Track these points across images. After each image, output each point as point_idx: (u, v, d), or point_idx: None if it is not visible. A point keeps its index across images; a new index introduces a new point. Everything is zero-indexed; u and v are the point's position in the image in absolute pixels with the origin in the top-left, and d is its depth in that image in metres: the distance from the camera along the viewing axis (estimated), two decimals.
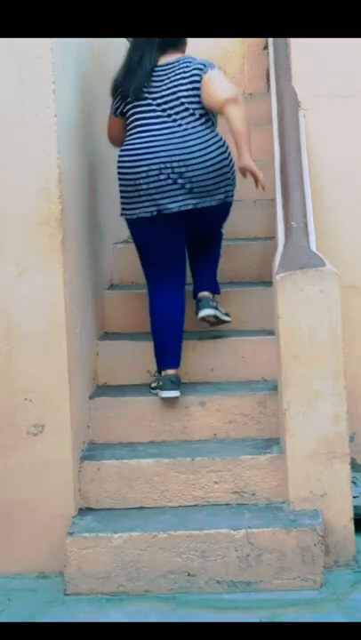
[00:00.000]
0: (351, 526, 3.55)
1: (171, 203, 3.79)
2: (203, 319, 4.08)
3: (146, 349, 4.12)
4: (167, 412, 3.90)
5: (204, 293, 4.07)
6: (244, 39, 6.29)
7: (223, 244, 4.27)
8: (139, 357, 4.14)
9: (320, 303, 3.52)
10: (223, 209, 3.99)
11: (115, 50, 4.67)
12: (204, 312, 4.04)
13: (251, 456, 3.68)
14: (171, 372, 3.91)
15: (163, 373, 3.92)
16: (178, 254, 3.97)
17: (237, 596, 3.36)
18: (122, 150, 3.90)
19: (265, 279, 4.36)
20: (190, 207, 3.80)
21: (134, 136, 3.84)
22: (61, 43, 3.56)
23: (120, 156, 3.89)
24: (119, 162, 3.88)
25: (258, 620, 3.14)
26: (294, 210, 3.88)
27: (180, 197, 3.79)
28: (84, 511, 3.65)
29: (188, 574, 3.41)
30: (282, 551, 3.40)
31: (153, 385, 4.00)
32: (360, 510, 3.75)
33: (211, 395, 3.92)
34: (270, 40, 5.24)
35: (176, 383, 3.88)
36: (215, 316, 4.07)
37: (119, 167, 3.88)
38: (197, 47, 5.84)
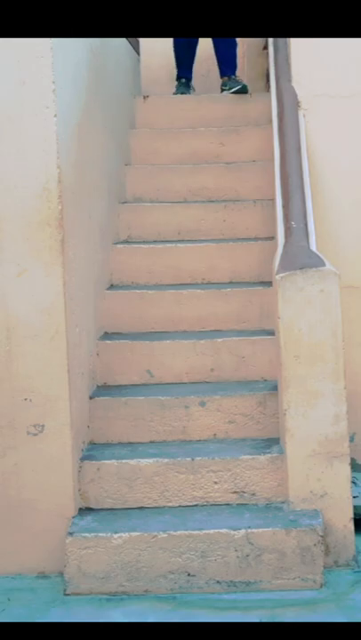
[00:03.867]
0: (351, 526, 3.55)
1: None
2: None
3: (146, 349, 4.13)
4: (167, 412, 3.90)
5: (225, 78, 5.63)
6: (244, 39, 6.30)
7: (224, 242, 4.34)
8: (139, 357, 4.14)
9: (320, 303, 3.52)
10: None
11: (115, 50, 4.69)
12: (225, 93, 5.56)
13: (251, 456, 3.68)
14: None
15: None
16: None
17: (237, 596, 3.36)
18: None
19: (265, 279, 4.36)
20: None
21: None
22: (61, 43, 3.56)
23: None
24: None
25: (258, 620, 3.14)
26: (294, 210, 3.88)
27: None
28: (83, 511, 3.65)
29: (188, 574, 3.42)
30: (282, 551, 3.40)
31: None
32: (360, 510, 3.76)
33: (211, 395, 3.92)
34: (270, 40, 5.25)
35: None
36: (234, 92, 5.50)
37: None
38: (198, 47, 5.83)
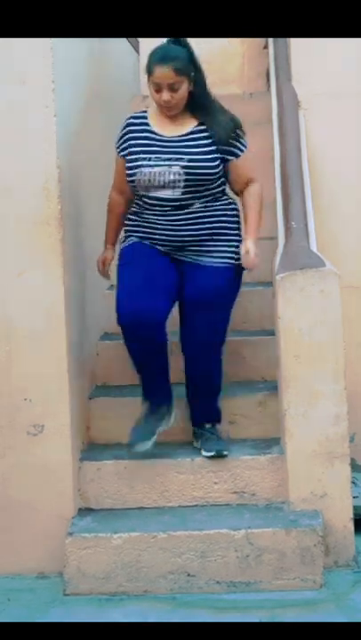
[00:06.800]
0: (351, 526, 3.54)
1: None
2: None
3: None
4: None
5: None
6: (244, 39, 6.29)
7: None
8: None
9: (320, 303, 3.51)
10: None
11: (115, 50, 4.69)
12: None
13: (251, 456, 3.68)
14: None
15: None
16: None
17: (237, 597, 3.36)
18: None
19: (265, 279, 4.36)
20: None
21: None
22: (61, 43, 3.56)
23: None
24: None
25: (258, 621, 3.13)
26: (294, 210, 3.88)
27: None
28: (83, 511, 3.65)
29: (188, 574, 3.41)
30: (282, 551, 3.40)
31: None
32: (360, 510, 3.75)
33: None
34: (270, 40, 5.25)
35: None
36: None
37: None
38: (197, 47, 5.84)
